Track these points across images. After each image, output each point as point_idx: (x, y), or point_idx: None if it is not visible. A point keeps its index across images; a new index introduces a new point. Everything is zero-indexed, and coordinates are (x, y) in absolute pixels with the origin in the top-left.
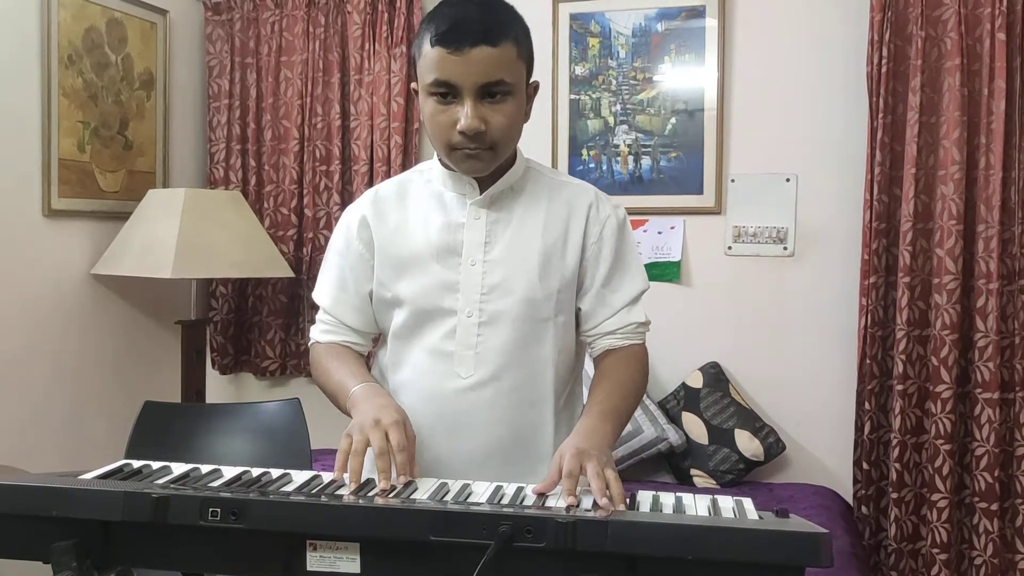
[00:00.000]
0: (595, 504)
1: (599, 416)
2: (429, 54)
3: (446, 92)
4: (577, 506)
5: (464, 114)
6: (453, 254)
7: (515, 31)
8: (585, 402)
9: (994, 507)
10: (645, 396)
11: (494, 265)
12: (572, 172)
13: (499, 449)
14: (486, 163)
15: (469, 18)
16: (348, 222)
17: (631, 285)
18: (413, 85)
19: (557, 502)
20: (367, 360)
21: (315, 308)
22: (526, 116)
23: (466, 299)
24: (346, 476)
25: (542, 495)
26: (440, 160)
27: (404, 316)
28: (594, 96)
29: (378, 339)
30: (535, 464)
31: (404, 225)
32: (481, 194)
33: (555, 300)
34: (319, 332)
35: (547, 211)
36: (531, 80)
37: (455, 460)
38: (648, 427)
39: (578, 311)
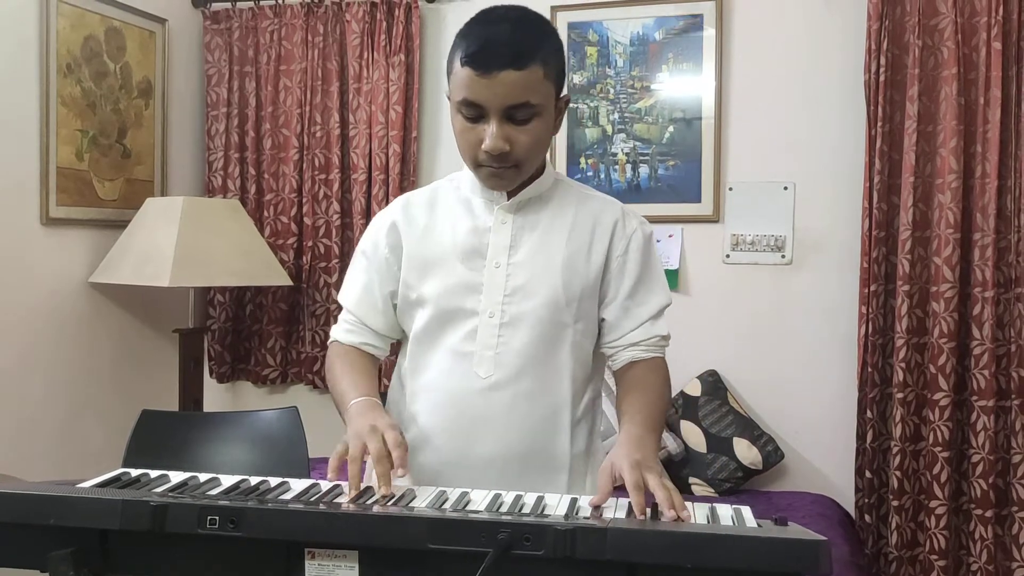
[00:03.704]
0: (653, 512)
1: (643, 426)
2: (459, 73)
3: (474, 111)
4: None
5: (489, 134)
6: (478, 256)
7: (543, 52)
8: (618, 412)
9: (989, 514)
10: None
11: (518, 268)
12: None
13: (515, 455)
14: (510, 180)
15: (499, 39)
16: (378, 226)
17: (656, 299)
18: (447, 93)
19: (615, 514)
20: (383, 368)
21: (339, 308)
22: (555, 129)
23: (488, 300)
24: (345, 484)
25: (598, 508)
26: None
27: (426, 317)
28: (592, 105)
29: (397, 345)
30: (553, 475)
31: (432, 228)
32: (508, 200)
33: (576, 306)
34: (341, 331)
35: (573, 220)
36: (562, 94)
37: (470, 466)
38: None
39: (602, 322)
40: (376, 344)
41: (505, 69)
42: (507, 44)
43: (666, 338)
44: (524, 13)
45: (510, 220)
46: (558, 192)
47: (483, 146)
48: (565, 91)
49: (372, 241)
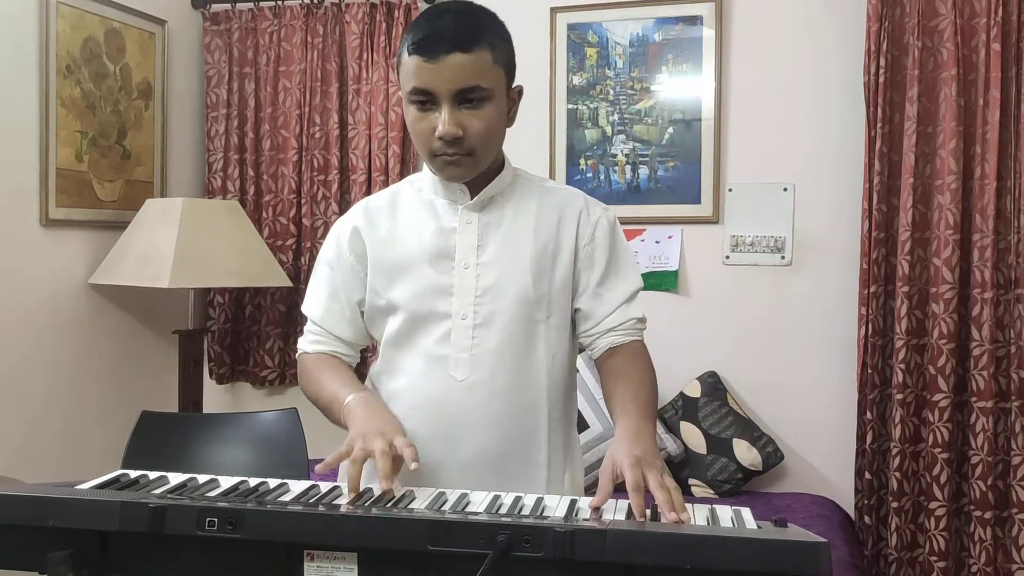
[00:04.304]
0: (653, 513)
1: (640, 415)
2: (407, 63)
3: (424, 99)
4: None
5: (441, 120)
6: (446, 258)
7: (490, 36)
8: (608, 403)
9: (987, 515)
10: None
11: (487, 267)
12: (570, 181)
13: (494, 455)
14: (466, 169)
15: (443, 26)
16: (339, 233)
17: (626, 283)
18: (400, 93)
19: (614, 516)
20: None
21: (304, 320)
22: (510, 121)
23: (460, 302)
24: (344, 485)
25: (597, 509)
26: (431, 169)
27: (398, 322)
28: (592, 106)
29: (366, 351)
30: (533, 472)
31: (395, 233)
32: (472, 199)
33: (547, 301)
34: (308, 343)
35: (537, 215)
36: (514, 85)
37: (451, 468)
38: None
39: (576, 312)
40: (346, 352)
41: (452, 52)
42: (452, 29)
43: (642, 320)
44: (469, 6)
45: (475, 219)
46: (519, 187)
47: (436, 132)
48: (523, 83)
49: (335, 249)
